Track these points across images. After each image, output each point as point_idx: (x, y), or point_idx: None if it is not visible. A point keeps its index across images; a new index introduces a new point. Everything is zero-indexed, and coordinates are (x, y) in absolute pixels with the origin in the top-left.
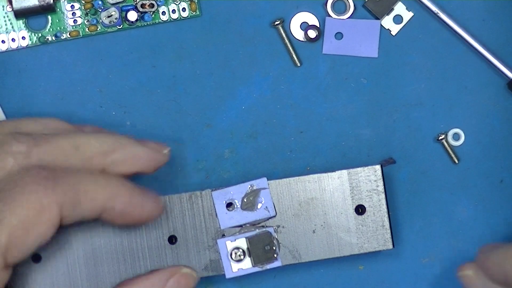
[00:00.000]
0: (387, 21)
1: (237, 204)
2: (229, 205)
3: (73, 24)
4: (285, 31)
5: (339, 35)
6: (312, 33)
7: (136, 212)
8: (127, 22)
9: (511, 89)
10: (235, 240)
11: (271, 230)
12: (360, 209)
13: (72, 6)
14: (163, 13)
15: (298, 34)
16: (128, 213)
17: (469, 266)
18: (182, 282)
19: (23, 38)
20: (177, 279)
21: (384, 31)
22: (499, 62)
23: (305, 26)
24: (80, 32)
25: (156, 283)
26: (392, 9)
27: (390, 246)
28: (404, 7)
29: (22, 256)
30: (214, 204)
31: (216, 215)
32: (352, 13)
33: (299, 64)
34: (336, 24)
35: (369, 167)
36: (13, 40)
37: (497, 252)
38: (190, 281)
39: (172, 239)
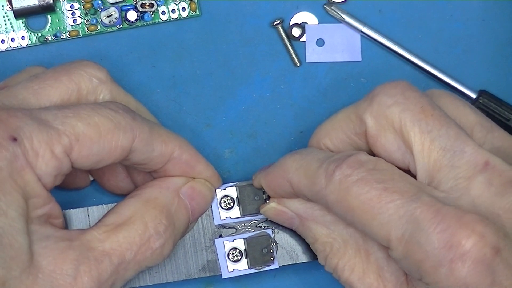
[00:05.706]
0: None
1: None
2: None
3: (72, 24)
4: (285, 31)
5: (320, 42)
6: (296, 31)
7: (197, 168)
8: (126, 22)
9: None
10: (233, 240)
11: (269, 231)
12: None
13: (72, 6)
14: (163, 13)
15: (298, 34)
16: (192, 167)
17: (271, 200)
18: (197, 188)
19: (23, 37)
20: (191, 185)
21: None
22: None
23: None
24: (80, 32)
25: (171, 186)
26: None
27: None
28: None
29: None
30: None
31: (212, 210)
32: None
33: (299, 64)
34: (317, 30)
35: None
36: (12, 39)
37: (274, 166)
38: (205, 189)
39: None
